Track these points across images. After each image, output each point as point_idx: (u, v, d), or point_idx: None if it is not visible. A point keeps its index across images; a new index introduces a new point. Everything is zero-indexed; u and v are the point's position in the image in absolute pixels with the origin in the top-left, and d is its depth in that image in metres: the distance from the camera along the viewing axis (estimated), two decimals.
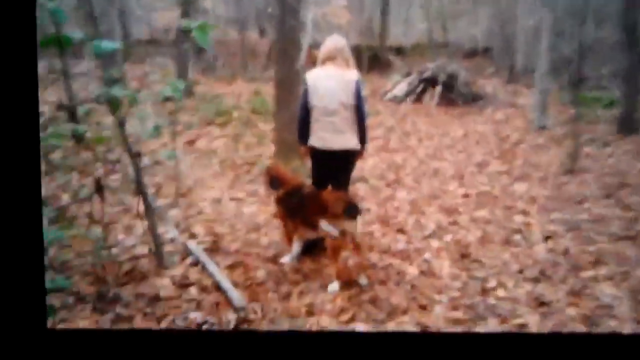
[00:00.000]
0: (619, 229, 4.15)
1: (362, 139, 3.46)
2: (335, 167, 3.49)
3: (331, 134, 3.38)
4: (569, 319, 2.83)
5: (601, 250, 3.73)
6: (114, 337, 1.96)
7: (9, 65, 1.55)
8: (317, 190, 3.37)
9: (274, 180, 3.51)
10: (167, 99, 10.64)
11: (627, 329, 2.71)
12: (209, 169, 6.16)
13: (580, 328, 2.75)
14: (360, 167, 6.44)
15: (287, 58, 5.68)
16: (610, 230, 4.13)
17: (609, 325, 2.76)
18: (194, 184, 5.45)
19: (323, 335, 2.25)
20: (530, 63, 12.74)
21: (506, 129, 8.84)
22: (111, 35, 7.81)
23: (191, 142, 7.48)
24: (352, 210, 3.12)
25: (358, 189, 5.42)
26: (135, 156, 3.12)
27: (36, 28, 1.61)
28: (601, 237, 3.99)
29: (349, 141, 3.41)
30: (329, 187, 3.43)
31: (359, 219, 3.23)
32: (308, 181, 3.67)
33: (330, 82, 3.33)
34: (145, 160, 6.16)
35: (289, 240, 3.55)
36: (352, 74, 3.36)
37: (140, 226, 4.01)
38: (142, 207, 3.29)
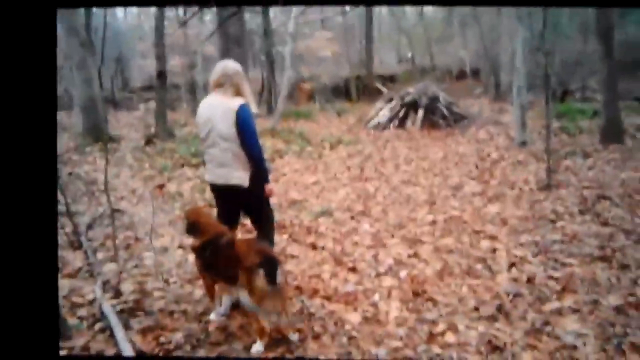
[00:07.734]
0: (593, 248, 3.74)
1: (256, 175, 3.03)
2: (231, 205, 3.17)
3: (214, 167, 3.07)
4: None
5: (570, 275, 3.31)
6: None
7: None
8: (232, 239, 2.98)
9: (192, 226, 3.08)
10: (148, 142, 10.36)
11: None
12: (170, 214, 5.83)
13: None
14: (329, 199, 6.09)
15: None
16: (583, 250, 3.72)
17: None
18: (145, 233, 5.10)
19: None
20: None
21: (488, 148, 8.48)
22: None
23: (161, 186, 7.18)
24: (267, 264, 2.74)
25: (320, 224, 5.04)
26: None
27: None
28: (572, 259, 3.58)
29: (233, 177, 3.02)
30: (253, 237, 3.07)
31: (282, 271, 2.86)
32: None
33: (210, 111, 3.01)
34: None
35: (211, 296, 3.15)
36: (235, 102, 2.95)
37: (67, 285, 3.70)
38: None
